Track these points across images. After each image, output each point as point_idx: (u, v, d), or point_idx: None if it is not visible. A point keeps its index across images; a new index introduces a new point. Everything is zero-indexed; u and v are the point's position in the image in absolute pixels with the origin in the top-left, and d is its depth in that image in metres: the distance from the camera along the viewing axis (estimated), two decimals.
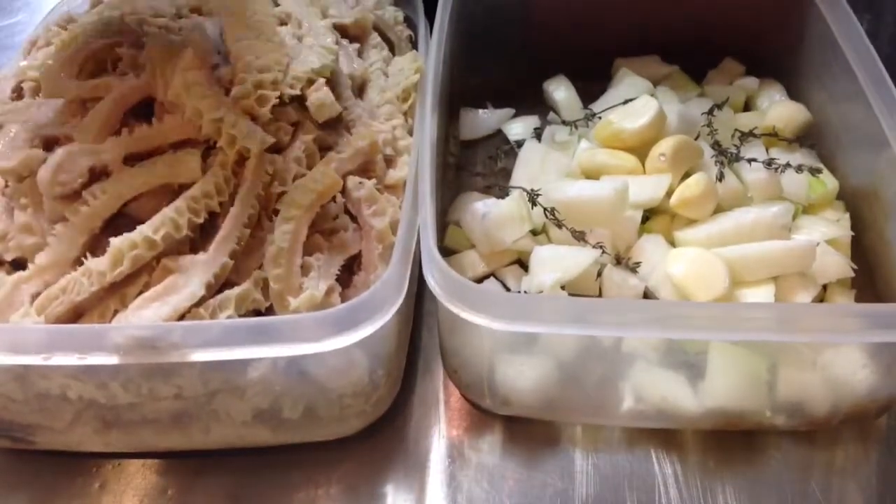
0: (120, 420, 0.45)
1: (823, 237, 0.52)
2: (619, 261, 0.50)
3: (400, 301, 0.43)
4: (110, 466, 0.48)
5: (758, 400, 0.46)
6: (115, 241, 0.43)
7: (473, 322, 0.41)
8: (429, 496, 0.46)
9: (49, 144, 0.48)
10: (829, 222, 0.54)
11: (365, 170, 0.50)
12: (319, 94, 0.48)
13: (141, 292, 0.43)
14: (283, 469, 0.48)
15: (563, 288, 0.49)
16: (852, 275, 0.51)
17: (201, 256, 0.44)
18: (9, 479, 0.48)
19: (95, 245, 0.45)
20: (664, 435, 0.48)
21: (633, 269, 0.50)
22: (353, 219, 0.48)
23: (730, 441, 0.48)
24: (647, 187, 0.53)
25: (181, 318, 0.43)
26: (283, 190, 0.47)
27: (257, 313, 0.45)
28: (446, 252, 0.54)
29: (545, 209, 0.52)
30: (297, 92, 0.49)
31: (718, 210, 0.53)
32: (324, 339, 0.41)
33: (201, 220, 0.45)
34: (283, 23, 0.54)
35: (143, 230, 0.43)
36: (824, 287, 0.51)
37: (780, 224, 0.51)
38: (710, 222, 0.52)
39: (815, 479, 0.47)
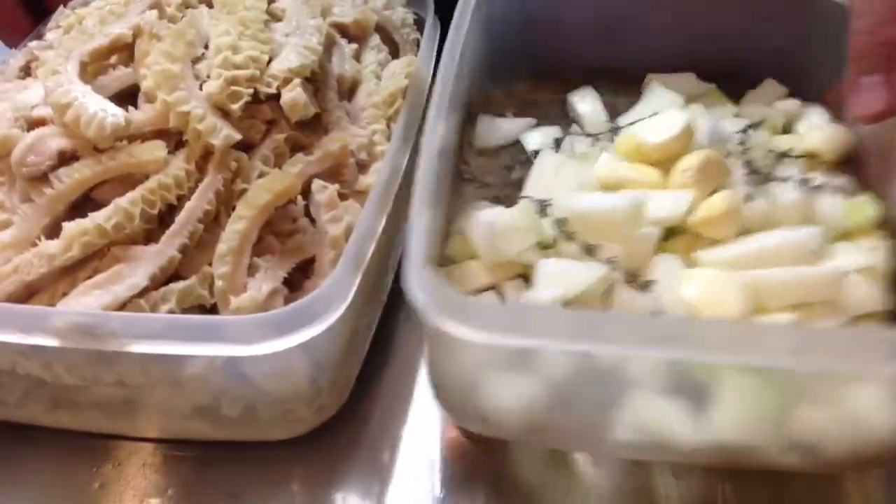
0: (70, 400, 0.46)
1: (856, 265, 0.47)
2: (630, 279, 0.47)
3: (343, 308, 0.42)
4: (110, 466, 0.49)
5: (768, 436, 0.43)
6: (68, 227, 0.44)
7: (449, 332, 0.38)
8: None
9: (34, 126, 0.49)
10: (866, 250, 0.49)
11: (335, 174, 0.49)
12: (293, 94, 0.48)
13: (90, 278, 0.44)
14: (285, 468, 0.48)
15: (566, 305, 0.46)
16: (886, 307, 0.46)
17: (151, 248, 0.45)
18: (8, 479, 0.49)
19: (58, 228, 0.46)
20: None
21: (645, 287, 0.46)
22: (314, 222, 0.48)
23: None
24: (667, 203, 0.49)
25: (122, 307, 0.43)
26: (245, 188, 0.47)
27: (203, 310, 0.45)
28: (448, 262, 0.52)
29: (555, 220, 0.48)
30: (274, 91, 0.48)
31: (745, 233, 0.49)
32: (258, 342, 0.40)
33: (156, 212, 0.45)
34: (278, 19, 0.53)
35: (96, 217, 0.44)
36: (855, 319, 0.46)
37: (808, 248, 0.47)
38: (732, 244, 0.48)
39: None
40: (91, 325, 0.41)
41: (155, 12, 0.52)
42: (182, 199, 0.46)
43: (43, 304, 0.44)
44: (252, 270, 0.45)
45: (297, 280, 0.47)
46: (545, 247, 0.50)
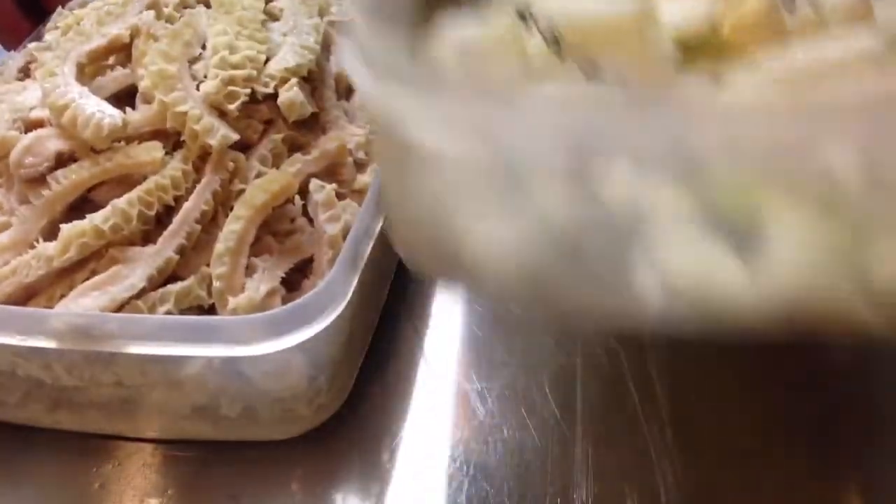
0: (70, 401, 0.46)
1: None
2: None
3: (341, 307, 0.42)
4: (110, 466, 0.49)
5: (843, 284, 0.30)
6: (65, 228, 0.44)
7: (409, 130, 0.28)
8: None
9: (32, 127, 0.49)
10: None
11: (333, 173, 0.49)
12: (290, 94, 0.48)
13: (87, 279, 0.44)
14: (285, 468, 0.48)
15: None
16: None
17: (148, 249, 0.45)
18: (7, 479, 0.49)
19: (56, 229, 0.46)
20: None
21: None
22: (312, 222, 0.48)
23: None
24: (686, 4, 0.36)
25: (120, 308, 0.43)
26: (243, 188, 0.47)
27: (201, 310, 0.45)
28: None
29: (543, 34, 0.35)
30: (271, 90, 0.48)
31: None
32: (257, 342, 0.41)
33: (153, 213, 0.45)
34: (275, 19, 0.53)
35: (94, 219, 0.44)
36: None
37: (872, 59, 0.33)
38: (773, 58, 0.34)
39: None
40: (89, 327, 0.41)
41: (152, 13, 0.52)
42: (179, 200, 0.46)
43: (41, 305, 0.44)
44: (250, 271, 0.45)
45: (296, 280, 0.47)
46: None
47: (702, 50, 0.35)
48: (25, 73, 0.56)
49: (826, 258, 0.29)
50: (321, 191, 0.46)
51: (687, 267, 0.30)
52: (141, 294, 0.44)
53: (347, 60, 0.29)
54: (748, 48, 0.34)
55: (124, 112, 0.48)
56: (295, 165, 0.47)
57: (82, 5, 0.60)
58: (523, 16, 0.36)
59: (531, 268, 0.32)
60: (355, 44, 0.29)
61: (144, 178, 0.46)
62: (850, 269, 0.29)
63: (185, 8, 0.55)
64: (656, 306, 0.31)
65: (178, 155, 0.47)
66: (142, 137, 0.48)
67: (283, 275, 0.45)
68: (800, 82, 0.32)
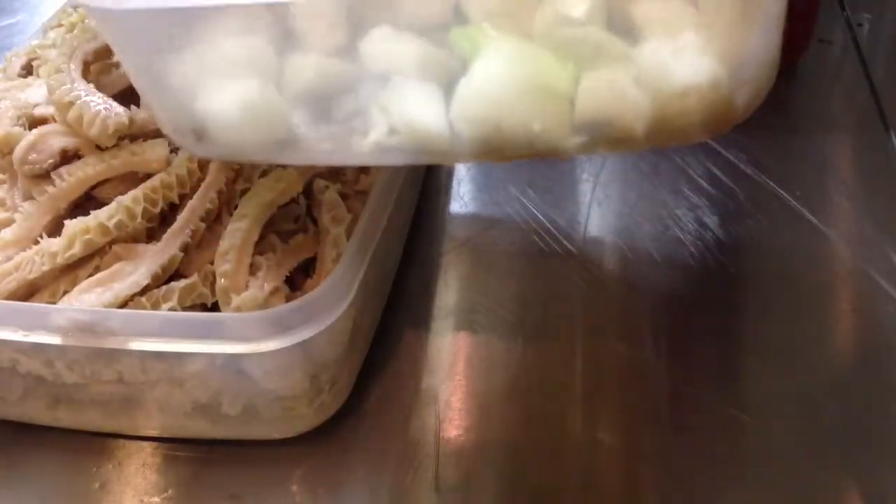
0: (69, 398, 0.46)
1: None
2: None
3: (344, 307, 0.42)
4: (110, 466, 0.48)
5: (545, 116, 0.36)
6: (70, 224, 0.44)
7: None
8: None
9: (36, 124, 0.49)
10: None
11: (337, 174, 0.49)
12: None
13: (91, 275, 0.44)
14: (285, 468, 0.48)
15: None
16: None
17: (153, 246, 0.45)
18: (7, 479, 0.49)
19: (60, 226, 0.46)
20: None
21: None
22: (316, 222, 0.48)
23: None
24: None
25: (123, 305, 0.43)
26: (247, 187, 0.47)
27: (204, 308, 0.45)
28: None
29: None
30: None
31: None
32: (259, 340, 0.41)
33: (158, 210, 0.45)
34: None
35: (98, 215, 0.44)
36: None
37: None
38: None
39: None
40: (92, 323, 0.41)
41: None
42: (184, 198, 0.46)
43: (44, 301, 0.44)
44: (254, 269, 0.45)
45: (299, 279, 0.47)
46: None
47: None
48: (29, 70, 0.56)
49: (524, 87, 0.35)
50: (326, 191, 0.47)
51: (408, 108, 0.36)
52: (144, 291, 0.44)
53: None
54: None
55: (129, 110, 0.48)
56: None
57: None
58: None
59: (270, 127, 0.37)
60: None
61: (149, 175, 0.47)
62: (554, 99, 0.35)
63: None
64: (380, 144, 0.37)
65: (183, 153, 0.47)
66: (147, 135, 0.48)
67: (287, 273, 0.45)
68: None
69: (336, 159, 0.41)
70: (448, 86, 0.36)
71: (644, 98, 0.36)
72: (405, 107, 0.36)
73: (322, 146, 0.39)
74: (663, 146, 0.37)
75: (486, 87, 0.35)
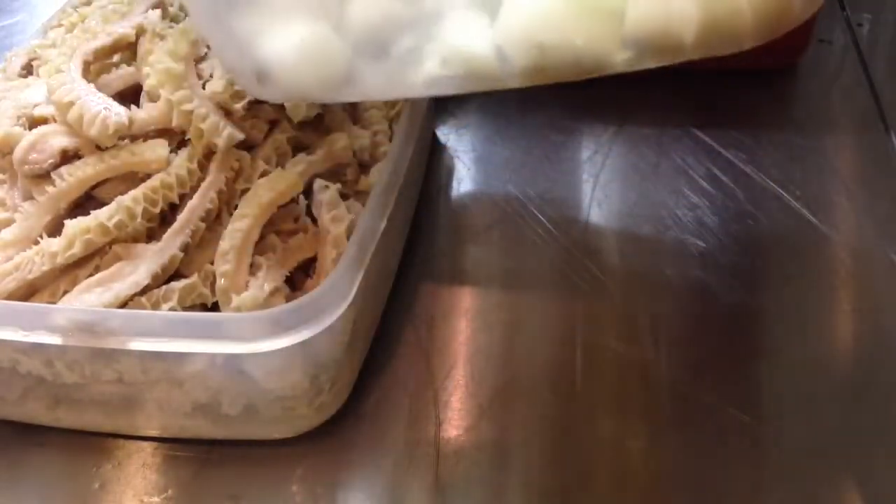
0: (69, 398, 0.46)
1: None
2: None
3: (344, 307, 0.42)
4: (110, 466, 0.48)
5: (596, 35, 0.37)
6: (70, 224, 0.44)
7: None
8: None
9: (36, 124, 0.49)
10: None
11: (337, 174, 0.49)
12: None
13: (91, 275, 0.44)
14: (285, 468, 0.48)
15: None
16: None
17: (153, 246, 0.45)
18: (7, 479, 0.48)
19: (60, 226, 0.46)
20: None
21: None
22: (316, 222, 0.48)
23: None
24: None
25: (123, 305, 0.43)
26: (247, 187, 0.47)
27: (204, 308, 0.45)
28: None
29: None
30: None
31: None
32: (259, 340, 0.41)
33: (158, 210, 0.45)
34: None
35: (98, 215, 0.44)
36: None
37: None
38: None
39: None
40: (92, 323, 0.41)
41: (158, 12, 0.53)
42: (184, 198, 0.46)
43: (44, 301, 0.44)
44: (254, 269, 0.45)
45: (299, 279, 0.47)
46: None
47: None
48: (29, 70, 0.56)
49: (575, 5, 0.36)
50: (326, 190, 0.47)
51: (457, 37, 0.38)
52: (144, 291, 0.44)
53: None
54: None
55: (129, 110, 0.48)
56: (300, 165, 0.47)
57: (87, 3, 0.60)
58: None
59: (326, 64, 0.39)
60: None
61: (149, 175, 0.47)
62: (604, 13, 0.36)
63: None
64: (433, 75, 0.39)
65: (184, 153, 0.47)
66: (147, 135, 0.48)
67: (287, 273, 0.45)
68: None
69: (393, 93, 0.44)
70: (493, 12, 0.37)
71: (692, 1, 0.36)
72: (454, 36, 0.38)
73: (379, 82, 0.41)
74: (713, 54, 0.36)
75: (534, 7, 0.36)
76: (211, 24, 0.41)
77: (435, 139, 0.67)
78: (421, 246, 0.58)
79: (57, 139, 0.47)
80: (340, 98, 0.44)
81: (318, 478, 0.47)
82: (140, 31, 0.52)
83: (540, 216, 0.60)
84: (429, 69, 0.39)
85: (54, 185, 0.46)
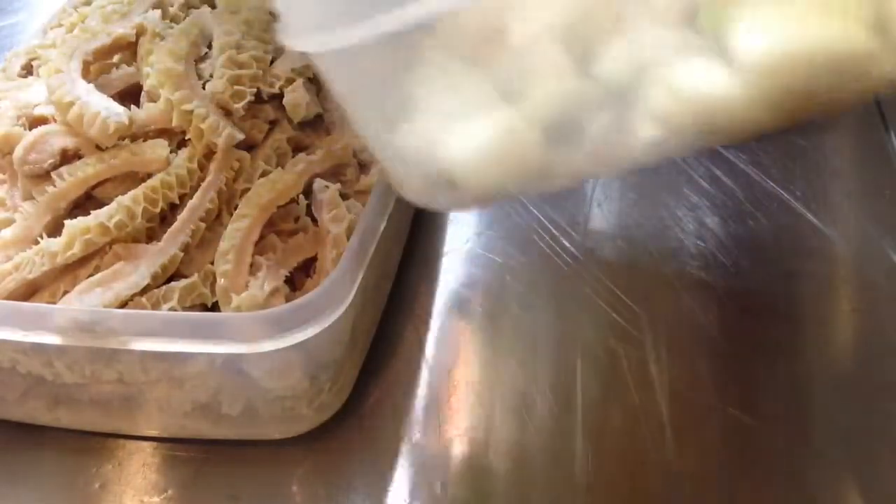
0: (69, 398, 0.46)
1: None
2: None
3: (344, 307, 0.42)
4: (110, 466, 0.49)
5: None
6: (70, 224, 0.44)
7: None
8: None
9: (36, 124, 0.49)
10: None
11: (337, 174, 0.49)
12: (296, 95, 0.48)
13: (91, 275, 0.44)
14: (285, 468, 0.48)
15: None
16: None
17: (153, 246, 0.45)
18: (7, 479, 0.49)
19: (60, 226, 0.46)
20: None
21: None
22: (316, 222, 0.48)
23: None
24: None
25: (123, 305, 0.43)
26: (247, 187, 0.47)
27: (204, 308, 0.45)
28: None
29: None
30: (277, 90, 0.49)
31: None
32: (259, 340, 0.41)
33: (158, 210, 0.45)
34: None
35: (99, 215, 0.44)
36: None
37: None
38: None
39: None
40: (91, 323, 0.41)
41: (158, 12, 0.53)
42: (184, 198, 0.46)
43: (44, 301, 0.44)
44: (254, 269, 0.45)
45: (299, 279, 0.47)
46: None
47: None
48: (29, 70, 0.56)
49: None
50: (325, 190, 0.47)
51: (683, 86, 0.30)
52: (145, 291, 0.44)
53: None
54: None
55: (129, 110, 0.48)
56: (299, 165, 0.47)
57: (86, 3, 0.60)
58: None
59: (518, 157, 0.31)
60: None
61: (149, 175, 0.47)
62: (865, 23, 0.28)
63: (190, 8, 0.55)
64: (652, 138, 0.31)
65: (184, 153, 0.47)
66: (147, 135, 0.48)
67: (287, 273, 0.45)
68: None
69: (604, 171, 0.38)
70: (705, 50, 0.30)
71: None
72: (678, 84, 0.30)
73: (584, 162, 0.34)
74: None
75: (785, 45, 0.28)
76: (383, 146, 0.35)
77: None
78: (421, 246, 0.58)
79: (57, 139, 0.47)
80: (543, 188, 0.39)
81: (318, 478, 0.47)
82: (140, 31, 0.52)
83: (540, 216, 0.60)
84: (648, 132, 0.31)
85: (54, 185, 0.46)
